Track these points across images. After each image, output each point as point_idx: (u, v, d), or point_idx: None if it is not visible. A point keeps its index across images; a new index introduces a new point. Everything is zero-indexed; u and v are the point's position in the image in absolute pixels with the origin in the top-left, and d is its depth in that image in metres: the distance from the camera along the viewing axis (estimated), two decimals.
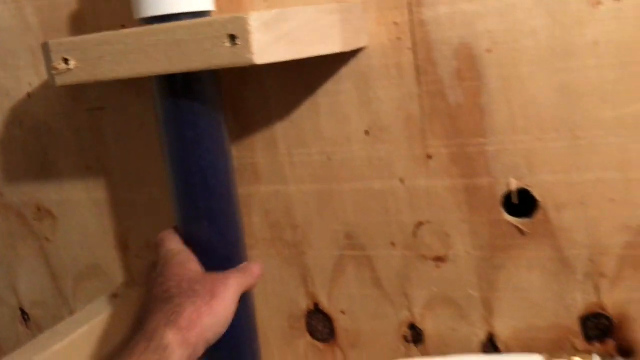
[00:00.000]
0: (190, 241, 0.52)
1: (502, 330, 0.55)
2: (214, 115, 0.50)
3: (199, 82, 0.49)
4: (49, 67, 0.48)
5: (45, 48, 0.48)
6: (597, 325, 0.53)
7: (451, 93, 0.51)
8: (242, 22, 0.41)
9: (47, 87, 0.65)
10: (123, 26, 0.58)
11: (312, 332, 0.61)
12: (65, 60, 0.47)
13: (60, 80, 0.48)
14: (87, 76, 0.47)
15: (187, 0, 0.47)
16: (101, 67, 0.46)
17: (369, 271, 0.58)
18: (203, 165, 0.50)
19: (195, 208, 0.51)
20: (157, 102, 0.51)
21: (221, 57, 0.42)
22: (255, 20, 0.41)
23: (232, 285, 0.48)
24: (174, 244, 0.52)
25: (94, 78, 0.47)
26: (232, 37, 0.41)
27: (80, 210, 0.68)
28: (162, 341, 0.43)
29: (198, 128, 0.49)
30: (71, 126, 0.65)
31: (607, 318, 0.52)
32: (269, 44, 0.42)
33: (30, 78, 0.65)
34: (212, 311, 0.46)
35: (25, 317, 0.74)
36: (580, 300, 0.52)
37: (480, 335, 0.56)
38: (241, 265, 0.53)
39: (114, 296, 0.64)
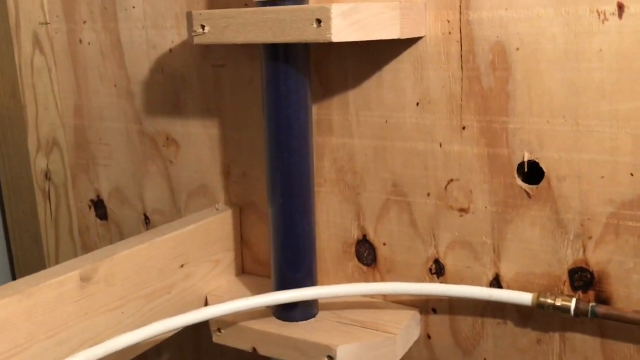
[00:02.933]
0: (272, 171, 0.69)
1: (506, 272, 0.67)
2: (301, 78, 0.66)
3: (293, 52, 0.65)
4: (190, 30, 0.65)
5: (189, 16, 0.65)
6: (582, 278, 0.63)
7: (485, 79, 0.64)
8: (326, 11, 0.56)
9: (185, 45, 0.81)
10: (246, 5, 0.74)
11: (359, 257, 0.75)
12: (202, 27, 0.63)
13: (197, 40, 0.64)
14: (215, 39, 0.63)
15: None
16: (226, 34, 0.62)
17: (407, 214, 0.71)
18: (289, 113, 0.66)
19: (279, 145, 0.67)
20: (262, 64, 0.67)
21: (310, 34, 0.58)
22: (336, 10, 0.56)
23: None
24: None
25: (220, 41, 0.62)
26: (319, 21, 0.57)
27: (198, 142, 0.83)
28: None
29: (289, 85, 0.66)
30: (199, 77, 0.81)
31: (590, 273, 0.63)
32: (344, 27, 0.57)
33: (173, 37, 0.81)
34: None
35: (147, 220, 0.90)
36: (570, 256, 0.64)
37: (489, 274, 0.68)
38: None
39: (215, 209, 0.82)
